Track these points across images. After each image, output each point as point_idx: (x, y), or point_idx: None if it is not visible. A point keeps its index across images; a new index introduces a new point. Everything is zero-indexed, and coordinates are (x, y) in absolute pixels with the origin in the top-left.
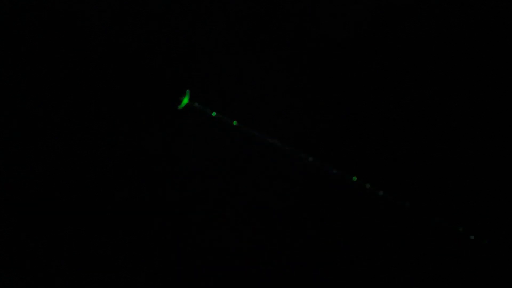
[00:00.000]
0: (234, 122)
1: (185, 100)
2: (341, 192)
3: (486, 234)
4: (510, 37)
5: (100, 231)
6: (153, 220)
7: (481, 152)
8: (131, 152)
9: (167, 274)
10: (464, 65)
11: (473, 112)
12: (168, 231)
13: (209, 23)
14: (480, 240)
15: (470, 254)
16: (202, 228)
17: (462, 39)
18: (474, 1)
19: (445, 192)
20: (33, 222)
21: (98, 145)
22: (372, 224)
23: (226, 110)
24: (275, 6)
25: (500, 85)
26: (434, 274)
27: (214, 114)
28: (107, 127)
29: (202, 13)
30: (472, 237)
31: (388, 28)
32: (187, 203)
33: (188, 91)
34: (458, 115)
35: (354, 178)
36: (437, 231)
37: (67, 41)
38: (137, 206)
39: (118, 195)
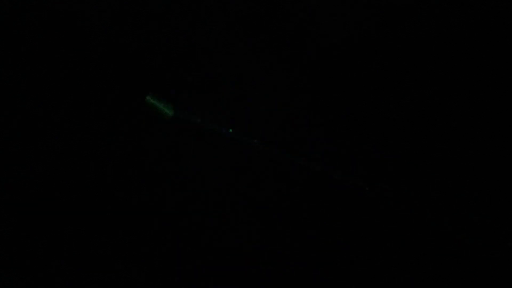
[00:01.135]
0: (230, 130)
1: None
2: (340, 194)
3: (485, 234)
4: (510, 37)
5: (100, 231)
6: (153, 220)
7: (481, 152)
8: (131, 152)
9: (167, 274)
10: (464, 65)
11: (473, 113)
12: (168, 231)
13: (209, 23)
14: (479, 241)
15: (470, 254)
16: (202, 228)
17: (462, 39)
18: (474, 1)
19: (445, 191)
20: (33, 222)
21: (98, 145)
22: (372, 224)
23: (225, 112)
24: (275, 6)
25: (500, 85)
26: (434, 274)
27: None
28: (107, 127)
29: (202, 13)
30: (471, 238)
31: (388, 28)
32: (187, 203)
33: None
34: (458, 115)
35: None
36: (436, 230)
37: (67, 41)
38: (137, 206)
39: (118, 195)
